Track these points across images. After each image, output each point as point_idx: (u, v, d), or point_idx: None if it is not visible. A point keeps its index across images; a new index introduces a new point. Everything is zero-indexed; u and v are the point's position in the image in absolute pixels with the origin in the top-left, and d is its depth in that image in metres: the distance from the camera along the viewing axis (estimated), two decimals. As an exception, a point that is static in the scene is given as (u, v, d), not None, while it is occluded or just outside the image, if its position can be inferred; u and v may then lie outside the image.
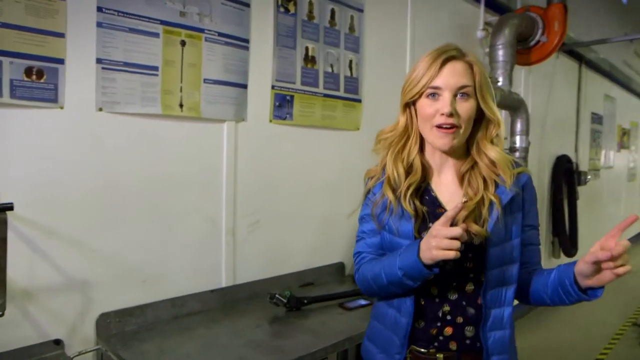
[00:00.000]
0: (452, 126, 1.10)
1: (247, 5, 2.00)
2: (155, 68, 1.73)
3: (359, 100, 2.59)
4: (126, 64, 1.65)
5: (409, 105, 1.18)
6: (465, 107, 1.11)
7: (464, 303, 1.14)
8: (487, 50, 3.56)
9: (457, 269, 1.12)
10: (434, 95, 1.11)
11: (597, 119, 5.99)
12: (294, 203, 2.30)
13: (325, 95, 2.38)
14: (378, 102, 2.71)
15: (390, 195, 1.16)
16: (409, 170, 1.18)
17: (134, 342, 1.58)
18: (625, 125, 7.34)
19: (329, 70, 2.40)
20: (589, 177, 5.42)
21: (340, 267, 2.54)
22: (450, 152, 1.18)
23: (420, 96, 1.14)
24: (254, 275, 2.12)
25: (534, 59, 3.42)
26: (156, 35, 1.72)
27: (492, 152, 1.15)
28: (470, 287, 1.14)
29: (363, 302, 2.05)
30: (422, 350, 1.16)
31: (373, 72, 2.66)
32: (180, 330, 1.70)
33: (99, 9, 1.58)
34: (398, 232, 1.15)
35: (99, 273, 1.64)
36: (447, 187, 1.19)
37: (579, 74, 5.35)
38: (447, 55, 1.11)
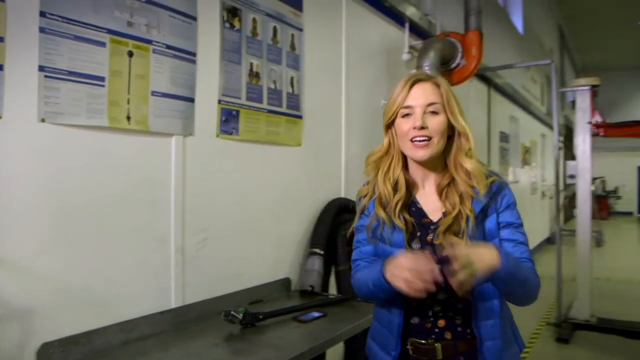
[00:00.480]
0: (426, 138, 1.24)
1: (194, 18, 1.98)
2: (102, 78, 1.65)
3: (300, 117, 2.63)
4: (71, 73, 1.56)
5: (390, 126, 1.32)
6: (435, 121, 1.25)
7: (452, 301, 1.25)
8: (413, 71, 3.80)
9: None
10: (408, 114, 1.26)
11: (504, 137, 6.55)
12: (241, 219, 2.27)
13: (269, 111, 2.40)
14: (318, 119, 2.78)
15: (382, 213, 1.29)
16: (395, 188, 1.30)
17: (83, 371, 1.46)
18: (527, 144, 8.10)
19: (272, 86, 2.42)
20: (501, 190, 5.88)
21: (286, 282, 2.53)
22: (430, 167, 1.31)
23: (396, 116, 1.28)
24: (203, 295, 2.04)
25: (455, 80, 3.70)
26: (103, 44, 1.65)
27: (468, 164, 1.27)
28: None
29: (316, 314, 2.06)
30: (422, 341, 1.27)
31: (312, 89, 2.72)
32: (134, 355, 1.60)
33: (42, 14, 1.48)
34: (391, 242, 1.28)
35: (40, 299, 1.50)
36: (430, 199, 1.32)
37: (488, 96, 5.85)
38: (415, 78, 1.28)
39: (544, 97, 9.48)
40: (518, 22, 7.82)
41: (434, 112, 1.25)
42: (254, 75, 2.30)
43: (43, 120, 1.50)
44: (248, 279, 2.29)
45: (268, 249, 2.43)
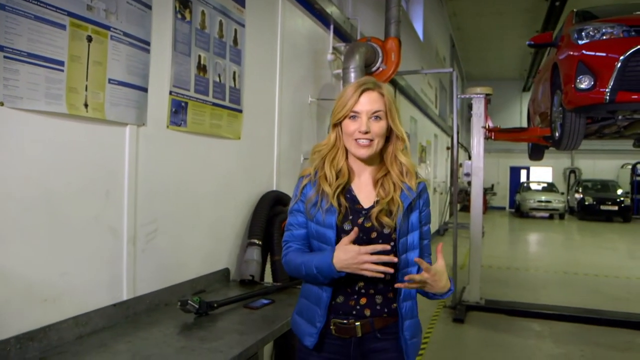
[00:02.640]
0: (368, 140, 1.44)
1: (149, 7, 1.95)
2: (61, 63, 1.58)
3: (241, 111, 2.68)
4: (30, 55, 1.48)
5: (337, 124, 1.51)
6: (378, 126, 1.45)
7: (374, 279, 1.41)
8: (338, 72, 4.00)
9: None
10: (354, 117, 1.45)
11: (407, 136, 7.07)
12: (187, 210, 2.27)
13: (214, 104, 2.42)
14: (255, 113, 2.84)
15: (327, 188, 1.46)
16: (337, 175, 1.49)
17: (47, 367, 1.41)
18: (423, 143, 8.80)
19: (217, 80, 2.45)
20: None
21: (225, 273, 2.57)
22: (368, 161, 1.50)
23: (344, 118, 1.47)
24: (152, 286, 2.03)
25: (375, 82, 3.95)
26: (63, 27, 1.57)
27: (404, 159, 1.50)
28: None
29: (265, 301, 2.16)
30: (344, 321, 1.44)
31: (251, 84, 2.78)
32: (95, 348, 1.57)
33: (2, -9, 1.39)
34: (324, 223, 1.44)
35: (-5, 293, 1.42)
36: (364, 188, 1.52)
37: (395, 98, 6.28)
38: (365, 87, 1.46)
39: (437, 101, 10.34)
40: (419, 28, 8.45)
41: (377, 118, 1.44)
42: (201, 68, 2.31)
43: (2, 104, 1.41)
44: (192, 270, 2.31)
45: (209, 239, 2.45)
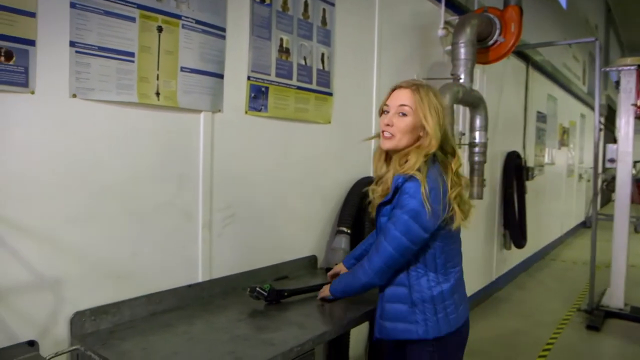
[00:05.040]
0: (391, 134, 1.61)
1: (224, -7, 1.96)
2: (131, 54, 1.65)
3: (331, 94, 2.59)
4: (101, 49, 1.56)
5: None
6: (402, 122, 1.59)
7: None
8: (448, 48, 3.68)
9: None
10: (387, 112, 1.64)
11: (541, 117, 6.32)
12: (268, 196, 2.27)
13: (299, 88, 2.37)
14: (348, 96, 2.73)
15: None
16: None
17: (113, 340, 1.50)
18: (565, 124, 7.80)
19: (302, 62, 2.38)
20: (535, 172, 5.72)
21: (312, 260, 2.54)
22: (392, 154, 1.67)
23: (381, 113, 1.68)
24: (229, 270, 2.07)
25: (491, 58, 3.56)
26: (132, 19, 1.64)
27: (410, 160, 1.59)
28: None
29: (341, 293, 2.06)
30: None
31: (343, 66, 2.67)
32: (160, 327, 1.64)
33: (73, -11, 1.49)
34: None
35: (70, 270, 1.55)
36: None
37: (526, 75, 5.63)
38: (397, 85, 1.64)
39: (585, 76, 9.07)
40: (561, -5, 7.44)
41: (403, 114, 1.58)
42: (283, 51, 2.27)
43: (74, 96, 1.52)
44: (274, 256, 2.31)
45: (294, 226, 2.43)
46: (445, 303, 1.59)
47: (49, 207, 1.49)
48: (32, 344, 1.40)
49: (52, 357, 1.39)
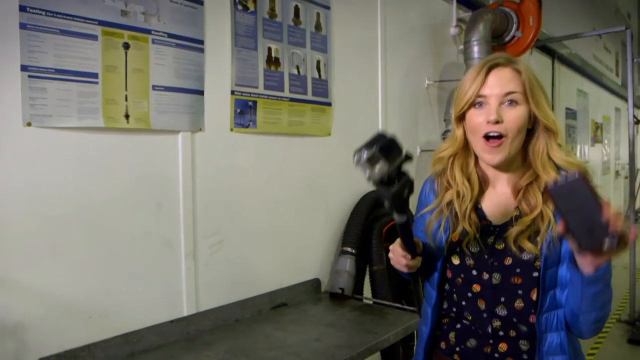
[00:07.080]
0: (499, 135, 1.06)
1: (200, 2, 1.81)
2: (94, 75, 1.52)
3: (329, 104, 2.42)
4: (58, 71, 1.44)
5: (461, 118, 1.15)
6: (513, 115, 1.06)
7: (514, 320, 1.07)
8: (462, 47, 3.45)
9: (503, 282, 1.08)
10: (481, 104, 1.09)
11: (571, 114, 5.97)
12: (261, 218, 2.10)
13: (292, 100, 2.20)
14: (350, 105, 2.55)
15: (456, 204, 1.14)
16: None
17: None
18: (598, 120, 7.38)
19: (295, 72, 2.22)
20: (567, 172, 5.38)
21: (315, 284, 2.36)
22: (503, 168, 1.13)
23: (468, 107, 1.11)
24: (219, 301, 1.91)
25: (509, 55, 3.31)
26: (94, 37, 1.51)
27: (562, 158, 1.09)
28: (519, 304, 1.07)
29: (341, 324, 1.88)
30: None
31: (343, 73, 2.49)
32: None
33: (22, 8, 1.36)
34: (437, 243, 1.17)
35: (33, 313, 1.42)
36: (498, 200, 1.14)
37: (552, 70, 5.31)
38: (492, 63, 1.09)
39: (619, 68, 8.58)
40: (589, -17, 7.03)
41: (513, 102, 1.07)
42: (272, 61, 2.11)
43: (29, 124, 1.40)
44: (271, 282, 2.14)
45: (291, 249, 2.26)
46: None
47: (6, 246, 1.37)
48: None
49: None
